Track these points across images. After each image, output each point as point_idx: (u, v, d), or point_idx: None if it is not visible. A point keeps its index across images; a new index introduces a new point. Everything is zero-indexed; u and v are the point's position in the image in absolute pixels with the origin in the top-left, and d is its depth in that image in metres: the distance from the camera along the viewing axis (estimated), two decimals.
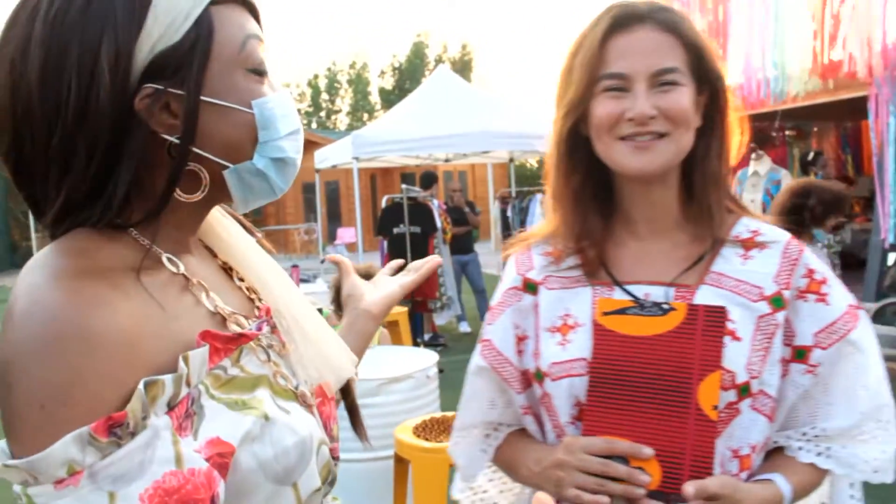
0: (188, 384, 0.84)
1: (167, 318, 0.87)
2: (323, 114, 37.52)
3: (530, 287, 1.45)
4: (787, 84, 6.96)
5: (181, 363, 0.83)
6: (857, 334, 1.32)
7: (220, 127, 0.92)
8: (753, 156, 7.39)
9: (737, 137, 1.40)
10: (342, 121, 37.38)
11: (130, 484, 0.76)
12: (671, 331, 1.26)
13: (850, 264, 9.38)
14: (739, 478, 1.28)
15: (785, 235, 1.38)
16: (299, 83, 38.22)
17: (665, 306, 1.28)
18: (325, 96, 37.59)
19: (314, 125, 35.61)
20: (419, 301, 8.70)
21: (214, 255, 1.08)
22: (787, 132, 11.75)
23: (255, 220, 31.37)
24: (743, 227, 1.38)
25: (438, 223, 8.87)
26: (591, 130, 1.34)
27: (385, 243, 9.11)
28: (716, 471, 1.24)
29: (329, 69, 37.69)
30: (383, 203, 9.79)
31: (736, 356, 1.26)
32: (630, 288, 1.36)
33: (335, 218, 24.81)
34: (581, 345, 1.32)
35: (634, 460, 1.22)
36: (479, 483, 1.64)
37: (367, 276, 3.96)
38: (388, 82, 38.11)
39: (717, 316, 1.25)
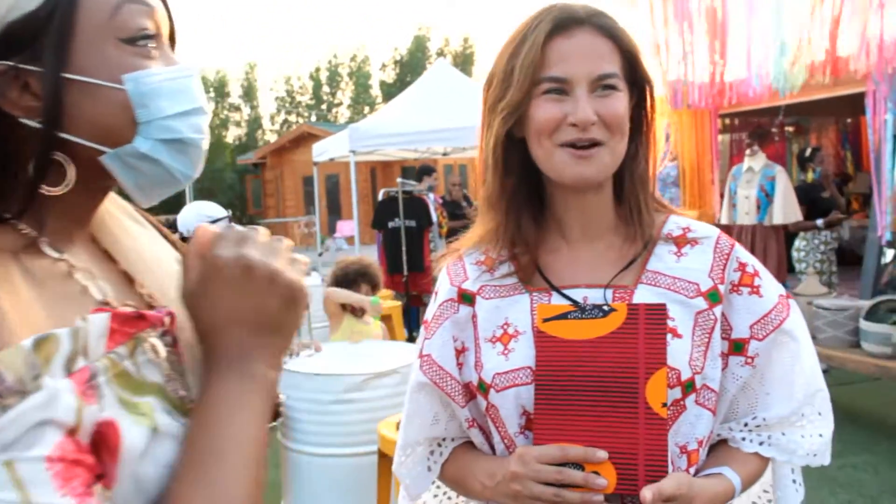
0: (85, 355, 0.73)
1: (43, 303, 0.76)
2: (324, 107, 37.48)
3: (466, 298, 1.43)
4: (787, 79, 6.90)
5: (78, 320, 0.74)
6: (791, 323, 1.35)
7: (90, 107, 0.80)
8: (748, 152, 7.36)
9: (661, 140, 1.41)
10: (343, 114, 37.35)
11: (31, 448, 0.66)
12: (613, 332, 1.25)
13: (849, 261, 9.38)
14: (689, 473, 1.28)
15: (715, 231, 1.40)
16: (300, 76, 38.20)
17: (605, 308, 1.27)
18: (326, 89, 37.54)
19: (314, 118, 35.52)
20: (414, 295, 8.68)
21: (114, 262, 0.94)
22: (786, 128, 11.72)
23: (256, 212, 31.50)
24: (674, 225, 1.39)
25: (434, 217, 8.84)
26: (530, 134, 1.31)
27: (381, 237, 9.09)
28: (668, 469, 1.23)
29: (330, 62, 37.67)
30: (380, 196, 9.76)
31: (679, 353, 1.27)
32: (568, 292, 1.35)
33: (335, 211, 24.79)
34: (524, 353, 1.31)
35: (589, 465, 1.21)
36: (424, 500, 1.61)
37: (362, 268, 3.94)
38: (390, 75, 38.05)
39: (658, 314, 1.25)
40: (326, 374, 3.48)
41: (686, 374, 1.26)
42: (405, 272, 8.51)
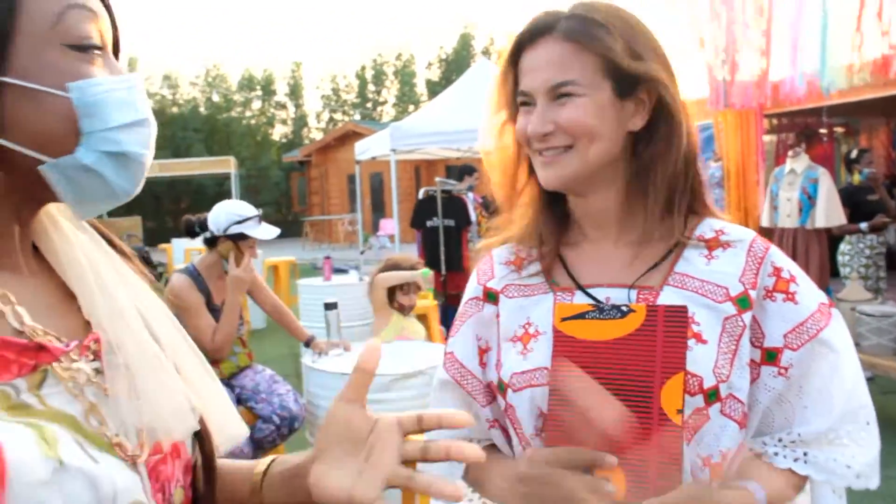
0: None
1: None
2: (369, 105, 37.65)
3: (490, 296, 1.43)
4: (834, 79, 6.75)
5: None
6: (829, 333, 1.27)
7: (31, 113, 0.77)
8: (790, 153, 7.21)
9: (693, 135, 1.34)
10: (388, 112, 37.49)
11: None
12: (631, 333, 1.21)
13: None
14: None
15: (750, 234, 1.33)
16: (346, 74, 38.42)
17: (624, 308, 1.23)
18: (371, 87, 37.71)
19: (357, 116, 35.69)
20: (452, 295, 8.66)
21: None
22: (834, 129, 11.46)
23: (301, 209, 31.80)
24: (707, 227, 1.34)
25: (473, 216, 8.80)
26: None
27: (420, 236, 9.08)
28: (686, 479, 1.20)
29: (375, 60, 37.84)
30: (419, 195, 9.76)
31: (703, 360, 1.22)
32: (592, 291, 1.33)
33: (379, 209, 24.88)
34: (543, 354, 1.29)
35: (600, 470, 1.18)
36: None
37: (411, 266, 3.92)
38: (435, 74, 38.11)
39: (678, 316, 1.20)
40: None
41: (709, 382, 1.21)
42: (443, 271, 8.50)
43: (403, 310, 4.52)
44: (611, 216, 1.35)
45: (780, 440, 1.30)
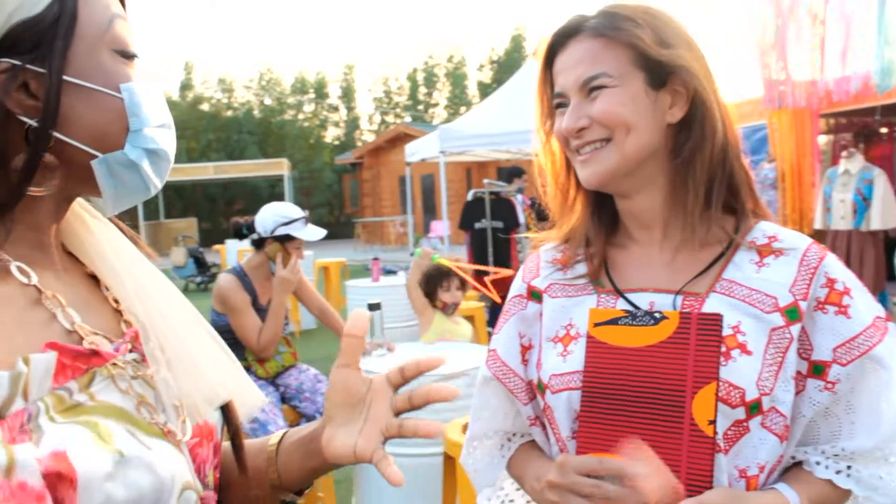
0: (25, 397, 0.72)
1: (5, 330, 0.76)
2: (421, 107, 37.80)
3: (534, 295, 1.43)
4: (892, 76, 6.59)
5: (20, 363, 0.73)
6: (882, 350, 1.22)
7: (87, 111, 0.82)
8: (844, 153, 7.06)
9: (731, 127, 1.31)
10: (440, 114, 37.58)
11: None
12: (663, 341, 1.20)
13: None
14: None
15: (805, 242, 1.29)
16: (398, 76, 38.61)
17: (657, 315, 1.22)
18: (422, 90, 37.85)
19: (408, 118, 35.85)
20: (504, 296, 8.63)
21: (81, 264, 0.94)
22: (895, 128, 11.17)
23: (353, 211, 32.03)
24: (760, 232, 1.30)
25: (522, 218, 8.78)
26: None
27: (468, 238, 9.09)
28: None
29: (427, 63, 37.98)
30: (469, 197, 9.77)
31: (746, 371, 1.18)
32: (635, 296, 1.31)
33: (431, 210, 24.95)
34: (581, 356, 1.28)
35: (629, 481, 1.15)
36: (507, 491, 1.59)
37: (443, 269, 3.92)
38: (487, 76, 38.09)
39: (711, 324, 1.18)
40: None
41: (752, 395, 1.17)
42: (492, 273, 8.48)
43: (447, 308, 4.52)
44: (656, 216, 1.33)
45: (822, 452, 1.26)
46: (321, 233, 3.95)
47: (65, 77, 0.81)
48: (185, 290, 15.57)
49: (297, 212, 3.89)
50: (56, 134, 0.81)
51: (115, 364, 0.83)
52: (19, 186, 0.80)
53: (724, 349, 1.20)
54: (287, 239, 3.85)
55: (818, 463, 1.25)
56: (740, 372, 1.18)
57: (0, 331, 0.76)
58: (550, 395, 1.31)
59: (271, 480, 1.03)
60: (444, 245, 12.07)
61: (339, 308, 9.90)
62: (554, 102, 1.32)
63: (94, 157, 0.84)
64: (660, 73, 1.25)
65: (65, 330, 0.82)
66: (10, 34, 0.79)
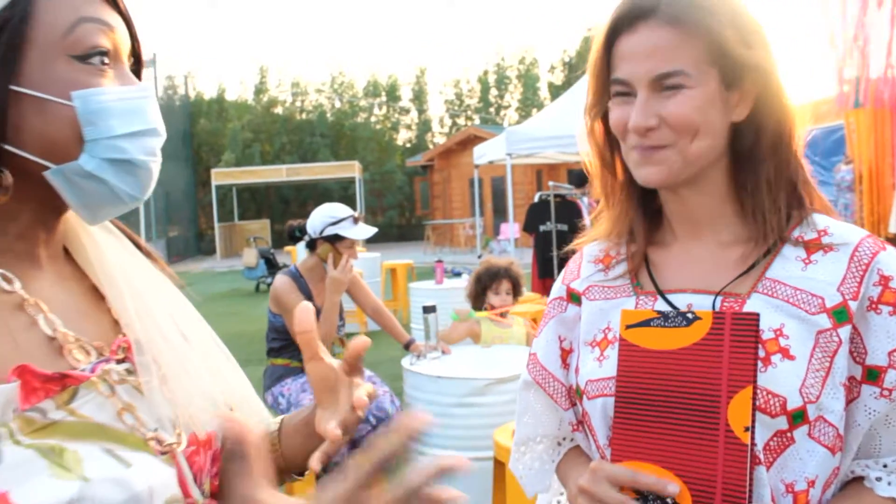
0: None
1: None
2: (492, 109, 37.75)
3: (574, 297, 1.39)
4: None
5: None
6: None
7: (37, 122, 0.80)
8: None
9: (802, 126, 1.23)
10: (511, 116, 37.48)
11: None
12: (696, 343, 1.14)
13: None
14: None
15: (857, 235, 1.20)
16: (469, 79, 38.66)
17: (690, 315, 1.16)
18: (493, 92, 37.78)
19: (477, 121, 35.85)
20: None
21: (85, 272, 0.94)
22: None
23: (424, 213, 32.15)
24: (808, 227, 1.22)
25: (587, 221, 8.69)
26: None
27: (533, 240, 9.04)
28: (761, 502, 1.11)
29: (498, 65, 37.89)
30: (535, 199, 9.72)
31: (788, 378, 1.11)
32: (674, 297, 1.25)
33: (501, 212, 24.91)
34: (616, 361, 1.22)
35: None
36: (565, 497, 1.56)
37: (505, 266, 3.91)
38: (558, 77, 37.83)
39: (747, 324, 1.10)
40: (448, 378, 3.47)
41: (795, 403, 1.10)
42: (556, 276, 8.42)
43: (494, 311, 4.48)
44: (706, 215, 1.26)
45: (885, 466, 1.17)
46: (370, 231, 3.96)
47: (11, 86, 0.79)
48: (257, 291, 15.85)
49: (346, 211, 3.91)
50: (7, 146, 0.79)
51: (102, 374, 0.81)
52: None
53: (763, 354, 1.13)
54: (337, 239, 3.86)
55: (879, 479, 1.16)
56: (781, 379, 1.11)
57: None
58: (587, 402, 1.28)
59: (277, 464, 1.08)
60: (511, 247, 12.01)
61: (401, 310, 9.94)
62: (613, 88, 1.21)
63: (47, 168, 0.81)
64: (735, 72, 1.16)
65: (45, 336, 0.81)
66: None
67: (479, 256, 14.28)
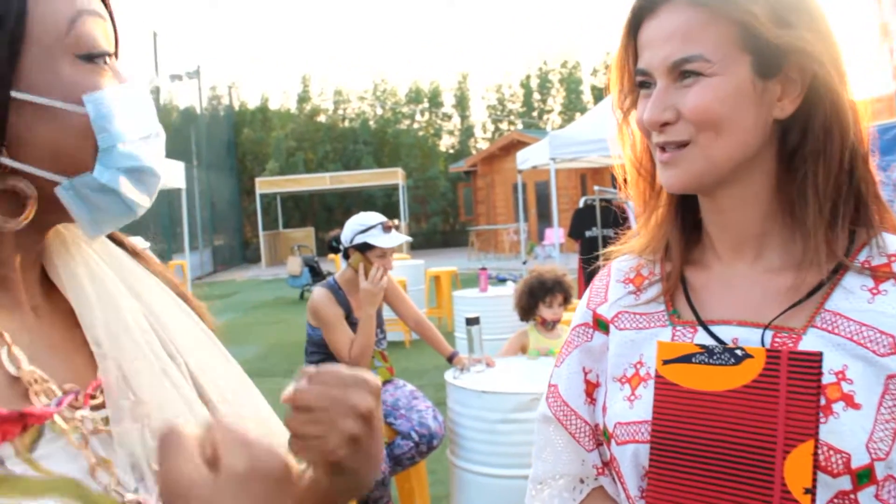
0: None
1: None
2: (535, 114, 37.55)
3: (601, 325, 1.22)
4: None
5: None
6: None
7: (45, 131, 0.71)
8: None
9: (861, 126, 1.05)
10: (554, 121, 37.24)
11: None
12: (747, 385, 0.99)
13: None
14: None
15: None
16: (511, 83, 38.50)
17: (739, 353, 1.00)
18: (536, 96, 37.57)
19: (520, 125, 35.68)
20: None
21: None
22: None
23: (468, 219, 32.10)
24: (876, 249, 1.04)
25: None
26: None
27: (579, 246, 8.90)
28: None
29: (541, 69, 37.66)
30: (580, 205, 9.57)
31: (853, 430, 0.95)
32: (717, 329, 1.08)
33: (545, 218, 24.73)
34: (650, 402, 1.07)
35: None
36: None
37: (557, 278, 3.79)
38: (601, 80, 37.48)
39: (808, 365, 0.95)
40: (494, 392, 3.35)
41: (861, 461, 0.94)
42: None
43: (545, 324, 4.34)
44: (751, 232, 1.09)
45: None
46: (401, 239, 3.86)
47: (12, 93, 0.69)
48: (301, 299, 15.88)
49: (376, 219, 3.81)
50: (7, 161, 0.70)
51: (69, 418, 0.71)
52: None
53: (823, 402, 0.96)
54: (367, 247, 3.77)
55: None
56: (845, 431, 0.95)
57: None
58: (616, 447, 1.12)
59: None
60: (556, 252, 11.87)
61: (446, 317, 9.85)
62: (637, 80, 1.09)
63: (58, 183, 0.72)
64: (772, 57, 1.01)
65: (7, 375, 0.70)
66: None
67: (524, 262, 14.13)
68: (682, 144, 1.03)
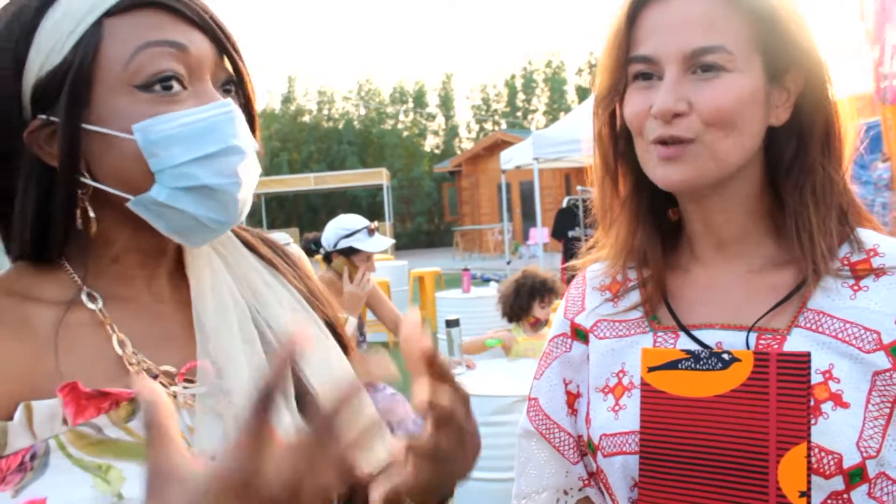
0: (33, 435, 0.75)
1: (63, 348, 0.81)
2: (519, 114, 37.59)
3: (580, 334, 1.19)
4: None
5: (18, 412, 0.75)
6: None
7: (108, 157, 0.82)
8: None
9: (850, 139, 1.04)
10: (539, 121, 37.29)
11: None
12: (735, 389, 0.96)
13: None
14: None
15: None
16: (496, 83, 38.54)
17: (726, 356, 0.97)
18: (521, 96, 37.62)
19: (504, 125, 35.72)
20: None
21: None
22: None
23: (452, 219, 32.09)
24: (855, 246, 1.03)
25: None
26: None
27: (562, 246, 8.90)
28: None
29: (525, 68, 37.72)
30: (563, 205, 9.58)
31: (843, 430, 0.94)
32: (700, 333, 1.06)
33: (530, 218, 24.76)
34: (635, 412, 1.04)
35: None
36: None
37: (550, 281, 3.75)
38: (586, 80, 37.58)
39: (797, 366, 0.93)
40: (474, 395, 3.32)
41: (852, 460, 0.93)
42: None
43: (537, 325, 4.32)
44: (733, 233, 1.07)
45: None
46: (387, 243, 3.87)
47: (83, 125, 0.80)
48: None
49: (360, 222, 3.81)
50: (86, 180, 0.82)
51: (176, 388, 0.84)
52: (61, 231, 0.83)
53: (811, 403, 0.94)
54: (352, 251, 3.75)
55: None
56: (835, 432, 0.94)
57: (61, 347, 0.80)
58: (602, 459, 1.09)
59: None
60: (540, 252, 11.87)
61: (430, 319, 9.82)
62: (633, 69, 1.03)
63: (127, 199, 0.83)
64: (779, 62, 0.99)
65: (115, 355, 0.84)
66: (39, 86, 0.80)
67: (508, 262, 14.14)
68: (686, 141, 0.99)
